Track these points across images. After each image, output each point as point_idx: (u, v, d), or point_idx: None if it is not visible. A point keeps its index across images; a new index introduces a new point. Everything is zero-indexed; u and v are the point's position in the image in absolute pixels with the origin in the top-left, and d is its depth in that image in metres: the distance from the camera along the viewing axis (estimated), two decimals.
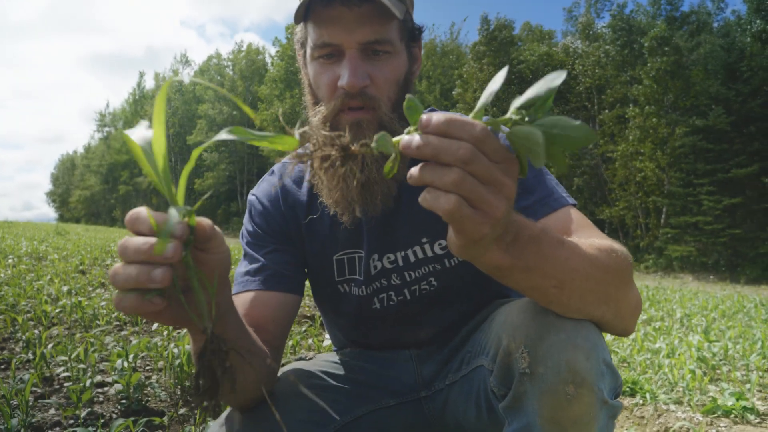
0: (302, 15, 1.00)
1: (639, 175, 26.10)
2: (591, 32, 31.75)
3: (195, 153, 0.56)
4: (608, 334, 0.89)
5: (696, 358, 3.26)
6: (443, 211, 0.58)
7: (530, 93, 0.59)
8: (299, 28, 1.07)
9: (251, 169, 46.61)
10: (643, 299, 7.24)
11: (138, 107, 60.56)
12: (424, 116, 0.59)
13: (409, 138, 0.59)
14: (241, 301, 1.04)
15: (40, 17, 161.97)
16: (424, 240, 1.09)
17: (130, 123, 60.32)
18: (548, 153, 0.61)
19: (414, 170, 0.60)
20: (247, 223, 1.16)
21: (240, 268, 1.11)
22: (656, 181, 25.72)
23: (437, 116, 0.58)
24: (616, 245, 0.84)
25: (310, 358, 1.22)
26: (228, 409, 1.03)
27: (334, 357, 1.22)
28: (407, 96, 0.64)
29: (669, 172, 25.18)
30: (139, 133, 0.62)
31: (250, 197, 1.19)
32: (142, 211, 0.57)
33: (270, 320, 1.02)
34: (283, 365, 1.19)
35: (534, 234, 0.71)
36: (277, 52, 45.51)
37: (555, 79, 0.58)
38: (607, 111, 28.74)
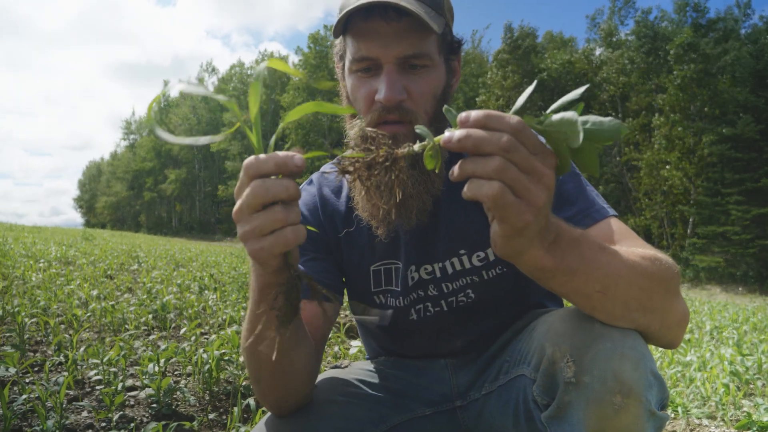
0: (341, 28, 1.01)
1: (665, 183, 25.68)
2: (614, 39, 31.45)
3: (291, 115, 0.68)
4: (655, 346, 0.88)
5: (729, 372, 3.17)
6: (488, 197, 0.61)
7: (559, 102, 0.65)
8: (338, 40, 1.08)
9: None
10: None
11: (163, 115, 61.68)
12: (463, 114, 0.64)
13: (450, 133, 0.64)
14: None
15: (69, 26, 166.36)
16: (462, 252, 1.09)
17: (154, 131, 61.27)
18: (580, 154, 0.66)
19: (456, 166, 0.64)
20: None
21: None
22: (683, 190, 25.27)
23: (476, 112, 0.63)
24: (661, 254, 0.84)
25: (345, 366, 1.22)
26: (264, 417, 1.03)
27: (369, 365, 1.21)
28: (444, 107, 0.71)
29: (696, 182, 24.72)
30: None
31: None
32: (260, 155, 0.67)
33: (311, 327, 1.03)
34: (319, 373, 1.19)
35: (574, 237, 0.74)
36: (300, 60, 45.96)
37: (579, 90, 0.65)
38: (631, 119, 28.37)
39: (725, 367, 3.26)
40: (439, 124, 1.01)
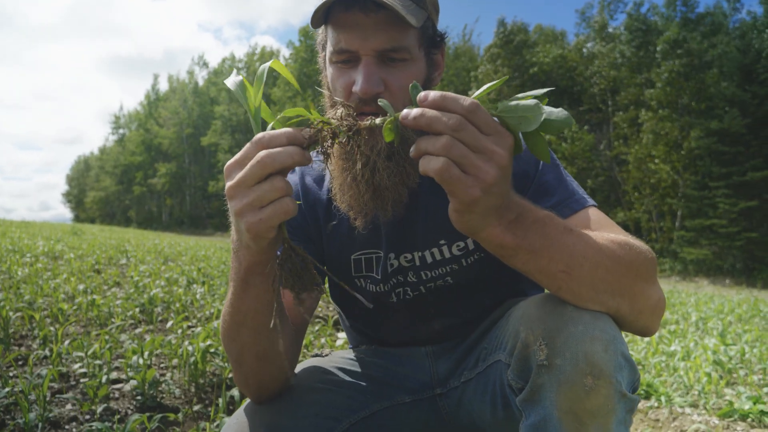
0: (322, 18, 1.01)
1: (653, 177, 25.87)
2: (606, 33, 31.54)
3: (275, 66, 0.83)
4: (630, 333, 0.90)
5: (712, 362, 3.22)
6: (434, 171, 0.66)
7: (521, 95, 0.72)
8: (321, 30, 1.07)
9: None
10: None
11: (152, 109, 61.16)
12: (422, 93, 0.69)
13: (407, 110, 0.69)
14: None
15: (60, 20, 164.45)
16: (442, 242, 1.10)
17: (143, 125, 60.95)
18: (532, 140, 0.73)
19: (413, 145, 0.70)
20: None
21: None
22: (671, 183, 25.48)
23: (434, 93, 0.68)
24: (635, 241, 0.85)
25: (326, 355, 1.23)
26: (243, 404, 1.04)
27: (350, 354, 1.22)
28: (412, 83, 0.73)
29: (684, 175, 24.92)
30: (231, 79, 0.83)
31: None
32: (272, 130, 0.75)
33: (292, 312, 1.04)
34: (300, 362, 1.20)
35: (539, 217, 0.77)
36: (291, 54, 45.74)
37: (543, 90, 0.70)
38: (621, 113, 28.51)
39: (708, 357, 3.31)
40: None
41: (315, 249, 1.16)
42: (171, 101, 57.66)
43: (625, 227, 27.34)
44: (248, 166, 0.70)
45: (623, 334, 0.89)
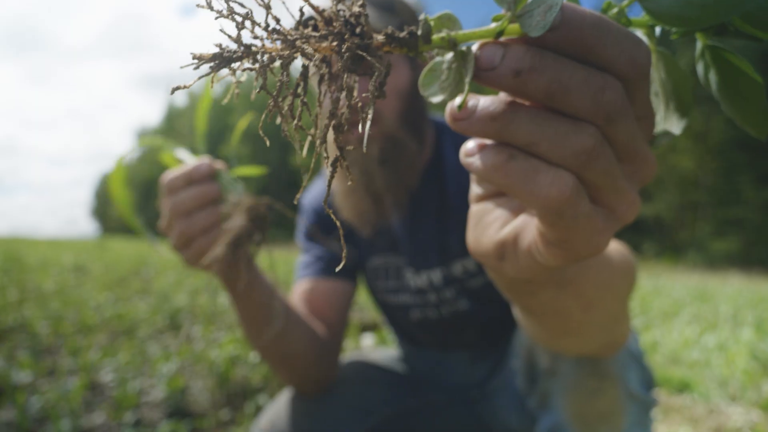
0: None
1: (676, 169, 25.46)
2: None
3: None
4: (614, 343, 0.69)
5: (748, 354, 3.13)
6: (544, 200, 0.32)
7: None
8: None
9: (281, 181, 47.15)
10: (686, 295, 7.03)
11: (171, 124, 62.07)
12: (556, 6, 0.29)
13: (497, 48, 0.31)
14: (301, 289, 1.08)
15: (92, 41, 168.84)
16: (467, 254, 1.08)
17: (164, 139, 61.89)
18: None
19: (493, 107, 0.32)
20: (301, 224, 1.19)
21: (300, 260, 1.15)
22: (693, 174, 25.04)
23: (578, 9, 0.30)
24: (623, 246, 0.67)
25: (368, 352, 1.24)
26: (283, 394, 1.05)
27: (390, 352, 1.23)
28: None
29: (709, 165, 24.47)
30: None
31: (303, 201, 1.23)
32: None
33: (326, 305, 1.05)
34: None
35: None
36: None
37: None
38: None
39: (744, 350, 3.21)
40: (409, 120, 0.98)
41: (347, 246, 1.16)
42: (190, 115, 58.44)
43: (646, 222, 26.98)
44: (167, 213, 0.74)
45: (633, 330, 0.79)
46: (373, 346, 2.77)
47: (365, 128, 0.29)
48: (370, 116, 0.30)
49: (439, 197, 1.04)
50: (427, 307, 1.11)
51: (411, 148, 0.97)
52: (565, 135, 0.31)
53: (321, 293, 1.06)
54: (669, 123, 0.39)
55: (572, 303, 0.52)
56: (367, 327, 3.46)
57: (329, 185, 0.32)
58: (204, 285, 5.08)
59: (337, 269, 1.08)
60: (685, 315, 4.97)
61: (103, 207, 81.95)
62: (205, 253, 0.72)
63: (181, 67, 0.30)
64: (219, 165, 0.78)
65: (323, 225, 1.16)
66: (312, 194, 1.21)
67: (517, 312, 0.57)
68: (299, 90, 0.31)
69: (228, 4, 0.30)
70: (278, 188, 46.45)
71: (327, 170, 0.31)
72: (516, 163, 0.32)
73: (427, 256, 1.07)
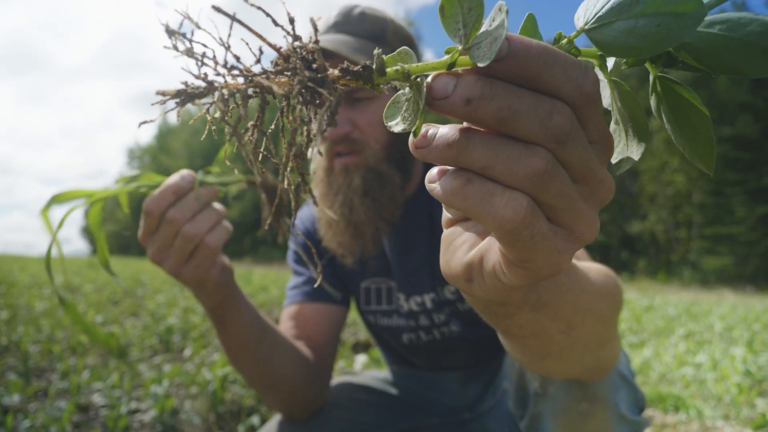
0: None
1: (668, 186, 25.65)
2: None
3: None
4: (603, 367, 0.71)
5: (741, 372, 3.13)
6: (500, 222, 0.33)
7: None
8: None
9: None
10: (680, 313, 7.04)
11: (163, 142, 62.10)
12: (506, 40, 0.31)
13: (449, 78, 0.33)
14: (289, 313, 1.08)
15: (88, 60, 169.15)
16: (438, 286, 1.09)
17: (155, 157, 61.87)
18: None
19: (448, 135, 0.34)
20: (291, 245, 1.19)
21: (289, 285, 1.15)
22: (686, 192, 25.23)
23: (525, 41, 0.31)
24: (605, 267, 0.68)
25: (357, 374, 1.23)
26: (275, 417, 1.04)
27: (381, 374, 1.22)
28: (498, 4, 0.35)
29: (699, 183, 24.67)
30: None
31: (296, 221, 1.22)
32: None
33: (314, 329, 1.05)
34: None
35: None
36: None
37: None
38: None
39: (737, 367, 3.22)
40: (393, 151, 1.00)
41: (335, 269, 1.16)
42: (181, 133, 58.51)
43: (641, 239, 27.06)
44: (159, 232, 0.73)
45: (624, 351, 0.80)
46: (364, 368, 2.76)
47: (312, 154, 0.32)
48: (318, 147, 0.32)
49: (429, 222, 1.06)
50: (419, 330, 1.12)
51: (394, 181, 0.98)
52: (517, 158, 0.32)
53: (309, 317, 1.06)
54: (630, 149, 0.41)
55: (551, 325, 0.52)
56: (360, 346, 3.44)
57: (295, 211, 0.35)
58: (196, 304, 5.05)
59: (323, 291, 1.09)
60: (678, 333, 4.97)
61: None
62: (213, 255, 0.73)
63: (152, 104, 0.33)
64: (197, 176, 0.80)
65: (313, 243, 1.16)
66: (300, 217, 1.22)
67: (500, 336, 0.58)
68: (257, 121, 0.34)
69: (190, 45, 0.33)
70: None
71: (291, 195, 0.35)
72: (473, 186, 0.33)
73: (419, 280, 1.08)
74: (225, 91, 0.33)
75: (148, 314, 4.32)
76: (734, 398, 2.63)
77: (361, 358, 2.87)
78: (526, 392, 0.80)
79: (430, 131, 0.34)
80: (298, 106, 0.33)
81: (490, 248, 0.39)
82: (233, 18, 0.33)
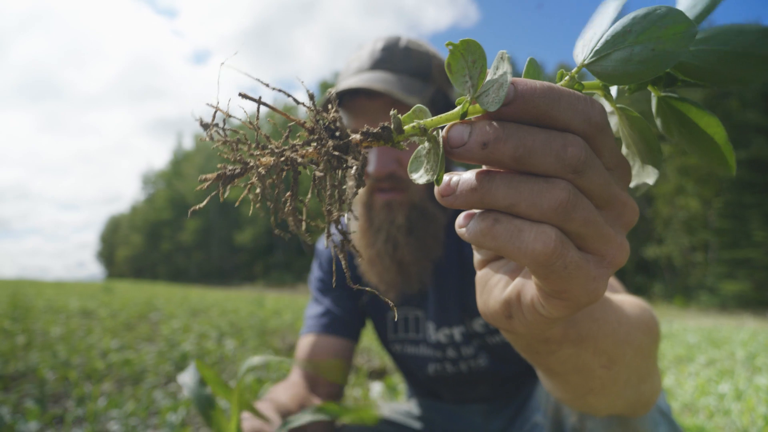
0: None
1: (683, 211, 25.40)
2: None
3: None
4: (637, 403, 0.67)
5: (766, 401, 3.04)
6: (532, 255, 0.34)
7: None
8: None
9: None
10: (700, 340, 6.89)
11: (177, 167, 62.92)
12: (512, 85, 0.33)
13: (464, 127, 0.34)
14: (306, 343, 1.10)
15: (105, 88, 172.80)
16: (467, 319, 1.09)
17: (169, 182, 62.64)
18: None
19: (471, 180, 0.35)
20: (316, 271, 1.20)
21: (308, 311, 1.16)
22: (702, 216, 24.96)
23: (529, 83, 0.33)
24: (643, 301, 0.69)
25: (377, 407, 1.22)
26: None
27: (401, 407, 1.21)
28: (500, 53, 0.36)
29: (715, 206, 24.41)
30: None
31: (319, 246, 1.24)
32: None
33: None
34: None
35: None
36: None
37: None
38: None
39: (762, 397, 3.13)
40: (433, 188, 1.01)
41: (357, 299, 1.16)
42: (196, 158, 59.31)
43: (657, 263, 26.70)
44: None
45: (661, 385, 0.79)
46: (380, 397, 2.72)
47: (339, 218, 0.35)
48: (351, 207, 0.35)
49: (459, 255, 1.06)
50: (445, 361, 1.11)
51: (438, 219, 0.99)
52: (539, 192, 0.33)
53: (324, 350, 1.08)
54: (645, 174, 0.42)
55: (592, 360, 0.52)
56: (375, 373, 3.41)
57: (334, 258, 0.42)
58: (211, 330, 5.05)
59: (339, 325, 1.10)
60: (699, 360, 4.87)
61: (108, 250, 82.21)
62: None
63: (195, 189, 0.37)
64: None
65: (337, 276, 1.16)
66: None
67: (540, 375, 0.57)
68: (292, 191, 0.38)
69: (224, 134, 0.37)
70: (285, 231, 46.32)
71: (328, 244, 0.37)
72: (501, 225, 0.34)
73: (449, 313, 1.08)
74: (261, 170, 0.36)
75: (163, 340, 4.32)
76: (760, 430, 2.55)
77: (377, 387, 2.84)
78: (562, 427, 0.78)
79: (453, 179, 0.35)
80: (329, 173, 0.36)
81: (526, 283, 0.40)
82: (260, 102, 0.36)
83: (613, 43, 0.35)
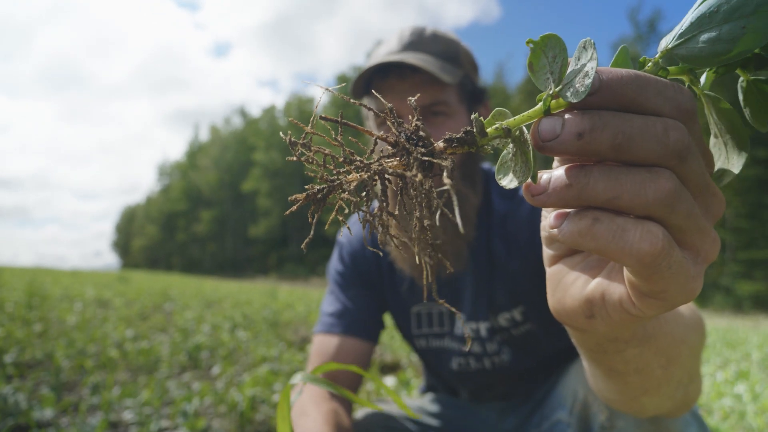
0: (362, 90, 1.04)
1: None
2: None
3: None
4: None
5: None
6: (638, 256, 0.31)
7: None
8: (365, 101, 1.10)
9: (304, 215, 47.41)
10: (715, 341, 6.81)
11: (192, 159, 63.39)
12: (592, 64, 0.31)
13: (555, 119, 0.32)
14: (326, 343, 1.07)
15: (127, 78, 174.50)
16: (513, 307, 1.07)
17: (185, 174, 63.14)
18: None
19: (564, 175, 0.33)
20: (336, 263, 1.19)
21: (325, 305, 1.14)
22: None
23: (614, 71, 0.32)
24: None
25: (388, 402, 1.22)
26: None
27: (416, 402, 1.21)
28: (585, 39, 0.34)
29: (733, 204, 24.08)
30: None
31: (341, 238, 1.22)
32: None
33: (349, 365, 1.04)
34: (364, 408, 1.18)
35: None
36: (329, 101, 46.96)
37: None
38: None
39: None
40: (466, 170, 1.01)
41: (378, 296, 1.15)
42: (211, 149, 59.69)
43: None
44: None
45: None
46: (395, 393, 2.72)
47: (456, 214, 0.31)
48: (456, 206, 0.32)
49: (487, 249, 1.05)
50: (469, 356, 1.10)
51: (471, 200, 0.98)
52: (642, 183, 0.30)
53: (347, 353, 1.06)
54: (731, 162, 0.40)
55: (653, 360, 0.51)
56: (387, 367, 3.41)
57: (425, 278, 0.35)
58: (224, 321, 5.08)
59: (359, 327, 1.08)
60: (714, 362, 4.81)
61: (124, 240, 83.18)
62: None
63: (285, 213, 0.38)
64: None
65: (358, 271, 1.15)
66: (350, 238, 1.20)
67: (596, 375, 0.56)
68: (383, 204, 0.37)
69: (309, 153, 0.37)
70: (298, 223, 46.69)
71: (422, 264, 0.36)
72: (602, 225, 0.31)
73: (476, 308, 1.07)
74: (353, 185, 0.36)
75: (177, 330, 4.36)
76: None
77: (389, 381, 2.84)
78: (590, 425, 0.77)
79: (544, 177, 0.33)
80: (418, 180, 0.34)
81: (612, 281, 0.38)
82: (341, 122, 0.36)
83: (698, 24, 0.33)
